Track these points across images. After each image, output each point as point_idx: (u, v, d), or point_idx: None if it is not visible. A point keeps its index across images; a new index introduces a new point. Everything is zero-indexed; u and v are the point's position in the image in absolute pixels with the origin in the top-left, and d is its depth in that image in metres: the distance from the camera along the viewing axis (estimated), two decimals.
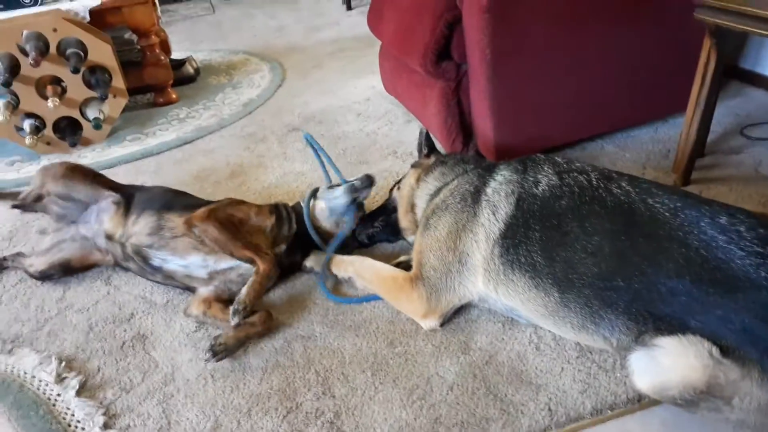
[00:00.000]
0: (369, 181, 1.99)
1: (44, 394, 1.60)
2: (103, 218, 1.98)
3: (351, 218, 1.96)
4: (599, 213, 1.42)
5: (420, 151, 2.05)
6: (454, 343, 1.59)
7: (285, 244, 1.91)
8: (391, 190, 2.09)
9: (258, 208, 1.95)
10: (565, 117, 2.36)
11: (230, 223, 1.82)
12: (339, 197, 1.97)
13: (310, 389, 1.51)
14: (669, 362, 1.21)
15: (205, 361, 1.59)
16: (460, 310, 1.67)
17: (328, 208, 1.98)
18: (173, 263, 1.85)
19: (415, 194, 1.89)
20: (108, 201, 2.01)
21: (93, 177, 2.12)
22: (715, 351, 1.18)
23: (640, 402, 1.38)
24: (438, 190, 1.80)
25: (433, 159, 1.96)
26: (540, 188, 1.53)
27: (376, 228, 1.99)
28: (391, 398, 1.45)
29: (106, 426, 1.47)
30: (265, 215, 1.92)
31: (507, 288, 1.52)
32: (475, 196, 1.63)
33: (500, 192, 1.59)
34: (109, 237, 1.95)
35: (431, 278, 1.62)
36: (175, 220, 1.86)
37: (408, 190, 1.94)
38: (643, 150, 2.44)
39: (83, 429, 1.48)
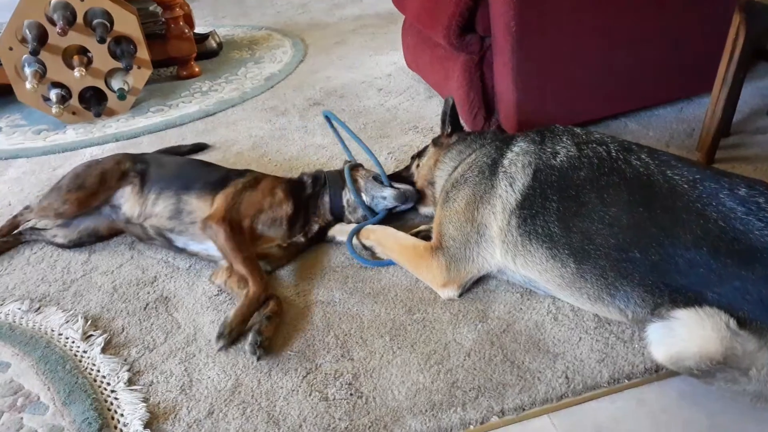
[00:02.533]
0: (417, 196, 1.98)
1: (71, 350, 1.64)
2: (121, 205, 2.00)
3: (383, 214, 1.97)
4: (618, 184, 1.41)
5: (443, 122, 2.03)
6: (472, 312, 1.60)
7: (303, 235, 1.91)
8: (413, 159, 2.10)
9: (276, 193, 1.92)
10: (589, 93, 2.34)
11: (240, 227, 1.81)
12: (386, 199, 1.95)
13: (329, 352, 1.54)
14: (686, 333, 1.22)
15: (217, 350, 1.57)
16: (479, 280, 1.68)
17: (370, 202, 1.97)
18: (195, 246, 1.89)
19: (435, 174, 1.91)
20: (121, 191, 2.01)
21: (93, 194, 2.00)
22: (732, 323, 1.18)
23: (657, 373, 1.38)
24: (456, 167, 1.80)
25: (453, 138, 1.96)
26: (558, 159, 1.52)
27: None
28: (409, 362, 1.47)
29: (130, 382, 1.51)
30: (282, 202, 1.89)
31: (524, 259, 1.52)
32: (493, 168, 1.63)
33: (517, 163, 1.58)
34: (128, 220, 1.98)
35: (450, 248, 1.63)
36: (193, 204, 1.88)
37: (427, 170, 1.95)
38: (667, 129, 2.41)
39: (108, 384, 1.52)
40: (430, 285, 1.69)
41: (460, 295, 1.65)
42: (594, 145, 1.52)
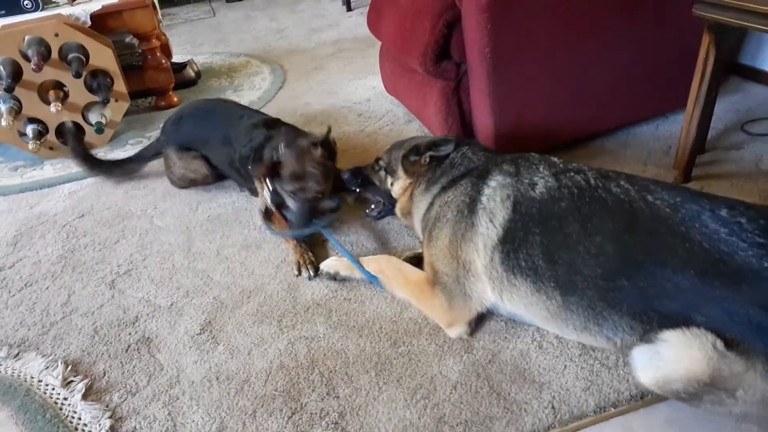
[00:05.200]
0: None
1: (51, 398, 1.61)
2: None
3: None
4: (600, 213, 1.41)
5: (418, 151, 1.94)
6: (457, 342, 1.60)
7: None
8: (377, 161, 2.10)
9: None
10: (565, 115, 2.37)
11: None
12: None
13: (314, 390, 1.52)
14: (672, 355, 1.22)
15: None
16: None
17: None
18: None
19: (411, 208, 1.91)
20: None
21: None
22: (719, 344, 1.18)
23: (643, 399, 1.38)
24: (432, 203, 1.79)
25: (424, 167, 1.89)
26: (537, 190, 1.51)
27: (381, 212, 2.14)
28: (395, 398, 1.46)
29: (112, 429, 1.49)
30: None
31: (510, 294, 1.52)
32: (471, 206, 1.61)
33: (495, 198, 1.57)
34: None
35: (446, 284, 1.61)
36: None
37: (404, 203, 1.95)
38: (644, 147, 2.44)
39: None
40: (439, 324, 1.67)
41: (471, 334, 1.62)
42: (572, 174, 1.52)
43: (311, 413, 1.45)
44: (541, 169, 1.57)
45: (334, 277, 1.90)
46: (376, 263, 1.85)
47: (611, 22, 2.21)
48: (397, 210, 2.00)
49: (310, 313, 1.79)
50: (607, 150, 2.45)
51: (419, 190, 1.87)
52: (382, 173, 2.04)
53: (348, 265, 1.89)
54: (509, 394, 1.43)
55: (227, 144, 2.36)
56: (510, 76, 2.17)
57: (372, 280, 1.81)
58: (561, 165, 1.58)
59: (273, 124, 2.38)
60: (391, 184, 2.00)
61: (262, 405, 1.50)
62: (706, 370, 1.17)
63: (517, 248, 1.48)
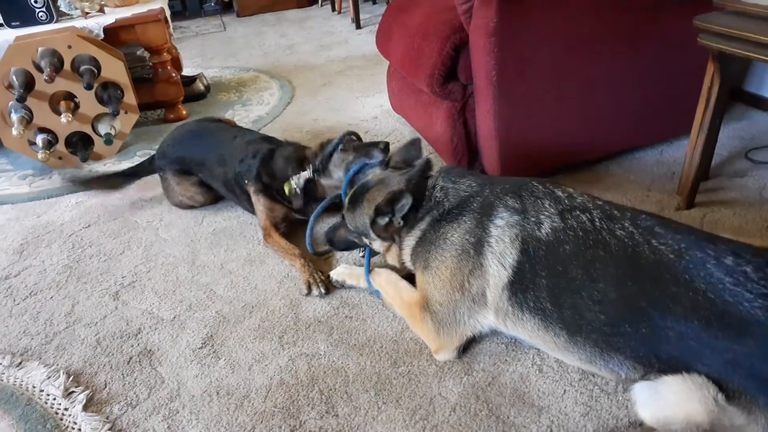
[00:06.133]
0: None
1: (52, 408, 1.62)
2: None
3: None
4: (604, 258, 1.38)
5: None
6: (457, 364, 1.60)
7: None
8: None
9: None
10: (570, 138, 2.38)
11: None
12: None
13: (313, 408, 1.52)
14: (673, 399, 1.22)
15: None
16: None
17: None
18: None
19: (400, 254, 1.78)
20: None
21: None
22: (721, 397, 1.18)
23: (642, 426, 1.38)
24: (421, 238, 1.68)
25: (398, 227, 1.73)
26: (543, 231, 1.48)
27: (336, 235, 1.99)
28: (394, 418, 1.46)
29: None
30: None
31: (516, 325, 1.51)
32: (478, 246, 1.55)
33: (504, 238, 1.52)
34: None
35: (438, 313, 1.60)
36: None
37: (391, 253, 1.82)
38: (648, 172, 2.45)
39: None
40: (420, 334, 1.69)
41: (459, 356, 1.63)
42: (577, 213, 1.48)
43: (310, 431, 1.45)
44: (546, 205, 1.52)
45: (342, 285, 1.96)
46: (378, 276, 1.87)
47: (617, 49, 2.24)
48: (385, 257, 1.88)
49: (312, 330, 1.80)
50: (611, 174, 2.47)
51: (404, 235, 1.73)
52: (354, 236, 1.89)
53: (356, 275, 1.93)
54: (508, 417, 1.43)
55: (222, 164, 2.39)
56: (516, 98, 2.19)
57: (376, 294, 1.85)
58: (566, 201, 1.52)
59: (269, 140, 2.44)
60: (370, 243, 1.86)
61: (262, 421, 1.50)
62: (706, 419, 1.17)
63: (525, 289, 1.47)
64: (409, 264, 1.77)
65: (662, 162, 2.52)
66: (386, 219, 1.69)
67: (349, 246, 2.00)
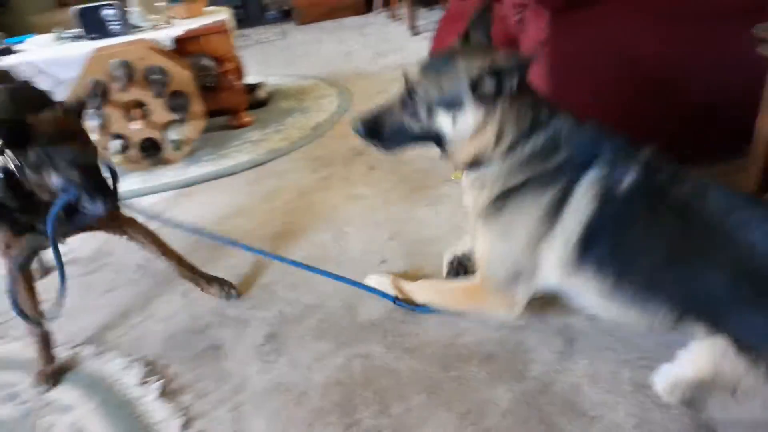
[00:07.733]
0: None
1: (128, 395, 1.75)
2: None
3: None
4: (664, 211, 1.45)
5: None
6: (508, 371, 1.64)
7: None
8: (408, 94, 1.55)
9: None
10: None
11: None
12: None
13: (368, 407, 1.60)
14: (687, 357, 1.40)
15: None
16: (518, 338, 1.73)
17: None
18: None
19: (487, 154, 1.55)
20: None
21: None
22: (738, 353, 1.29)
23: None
24: (511, 171, 1.55)
25: (507, 107, 1.47)
26: (621, 188, 1.47)
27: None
28: (446, 421, 1.52)
29: (183, 428, 1.61)
30: None
31: (570, 279, 1.57)
32: (560, 202, 1.52)
33: (587, 195, 1.49)
34: None
35: (499, 276, 1.66)
36: None
37: (469, 153, 1.58)
38: None
39: (163, 430, 1.61)
40: (487, 312, 1.74)
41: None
42: (650, 172, 1.48)
43: (366, 429, 1.53)
44: (634, 165, 1.48)
45: None
46: (419, 294, 1.90)
47: (669, 61, 2.21)
48: (454, 160, 1.64)
49: (366, 331, 1.87)
50: None
51: (500, 153, 1.53)
52: (423, 111, 1.53)
53: (394, 287, 1.97)
54: (558, 426, 1.46)
55: None
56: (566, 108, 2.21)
57: (423, 311, 1.89)
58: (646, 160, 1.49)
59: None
60: (454, 121, 1.49)
61: (319, 417, 1.59)
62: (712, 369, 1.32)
63: (588, 246, 1.51)
64: (469, 200, 1.68)
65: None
66: (494, 81, 1.40)
67: (402, 138, 1.61)
